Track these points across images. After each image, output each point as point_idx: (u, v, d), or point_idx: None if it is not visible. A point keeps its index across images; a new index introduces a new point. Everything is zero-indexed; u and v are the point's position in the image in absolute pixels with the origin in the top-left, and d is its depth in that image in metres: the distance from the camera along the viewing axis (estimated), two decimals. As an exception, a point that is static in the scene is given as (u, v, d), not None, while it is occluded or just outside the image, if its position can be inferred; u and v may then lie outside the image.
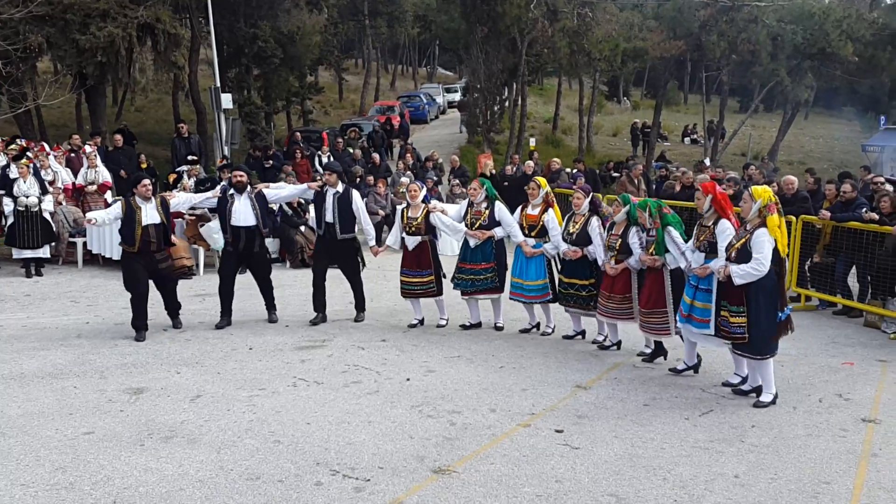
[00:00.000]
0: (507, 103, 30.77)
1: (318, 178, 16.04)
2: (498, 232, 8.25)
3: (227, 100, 18.46)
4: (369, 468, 4.92)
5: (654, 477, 4.89)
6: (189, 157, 14.23)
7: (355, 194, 8.66)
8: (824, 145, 39.24)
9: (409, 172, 17.07)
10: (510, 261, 8.44)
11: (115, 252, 11.58)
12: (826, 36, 26.63)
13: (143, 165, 15.17)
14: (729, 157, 30.80)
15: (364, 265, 8.78)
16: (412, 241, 8.36)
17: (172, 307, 8.36)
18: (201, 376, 6.78)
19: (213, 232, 11.35)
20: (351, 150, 18.89)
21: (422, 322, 8.66)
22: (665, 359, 7.44)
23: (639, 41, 28.55)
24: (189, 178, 13.54)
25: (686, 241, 6.77)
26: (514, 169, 16.84)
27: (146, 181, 8.01)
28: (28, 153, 11.71)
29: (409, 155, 19.33)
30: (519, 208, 8.37)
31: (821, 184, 11.83)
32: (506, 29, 26.16)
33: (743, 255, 6.00)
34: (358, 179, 15.35)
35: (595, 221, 7.81)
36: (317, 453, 5.13)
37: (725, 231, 6.29)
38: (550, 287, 8.15)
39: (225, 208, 8.26)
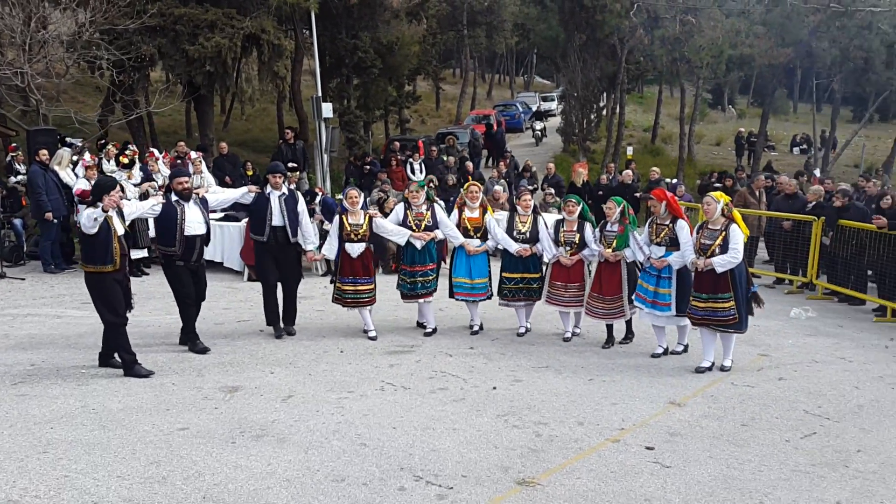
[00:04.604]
0: (604, 112, 30.26)
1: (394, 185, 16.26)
2: (438, 233, 8.47)
3: (327, 109, 18.87)
4: (453, 476, 4.89)
5: (750, 500, 4.65)
6: (289, 165, 14.60)
7: (300, 196, 8.48)
8: (947, 157, 36.73)
9: (502, 181, 17.02)
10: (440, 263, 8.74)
11: (216, 254, 12.04)
12: (948, 44, 24.92)
13: (249, 173, 15.68)
14: (841, 168, 29.29)
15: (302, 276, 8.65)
16: (356, 249, 8.20)
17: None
18: (293, 377, 6.92)
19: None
20: (445, 158, 19.00)
21: (374, 336, 8.41)
22: (631, 340, 8.26)
23: (745, 48, 27.50)
24: (290, 185, 13.88)
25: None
26: (609, 178, 16.55)
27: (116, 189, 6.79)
28: (136, 158, 12.32)
29: (502, 164, 19.30)
30: (457, 211, 8.74)
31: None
32: (605, 37, 25.78)
33: (724, 250, 7.04)
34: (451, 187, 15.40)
35: (542, 220, 8.50)
36: (401, 458, 5.14)
37: (684, 228, 7.45)
38: (489, 285, 8.63)
39: (175, 217, 7.48)
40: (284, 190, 8.32)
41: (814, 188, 12.48)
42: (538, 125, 34.14)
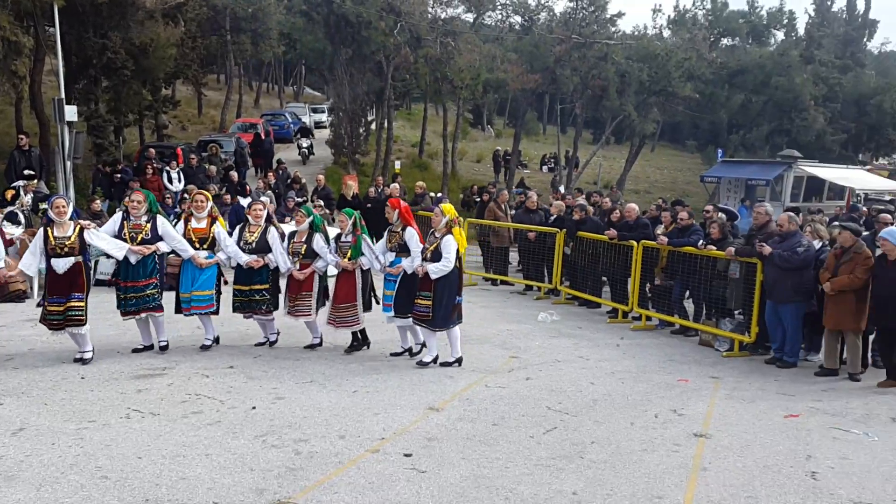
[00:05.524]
0: (373, 126, 30.79)
1: (167, 196, 15.43)
2: (162, 246, 8.02)
3: (71, 112, 17.28)
4: None
5: (497, 497, 4.93)
6: (26, 172, 13.25)
7: None
8: (668, 176, 41.93)
9: (269, 192, 16.69)
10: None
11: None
12: (668, 75, 28.49)
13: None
14: (582, 184, 32.23)
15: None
16: (63, 264, 7.39)
17: None
18: (26, 407, 6.25)
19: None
20: (207, 167, 18.23)
21: (90, 359, 7.71)
22: (368, 348, 8.61)
23: (500, 72, 29.42)
24: (26, 194, 12.63)
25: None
26: (378, 191, 16.85)
27: None
28: None
29: (271, 174, 18.94)
30: (182, 222, 8.53)
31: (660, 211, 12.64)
32: (371, 53, 26.27)
33: (435, 255, 7.83)
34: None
35: (273, 231, 8.51)
36: (147, 489, 4.82)
37: (413, 236, 8.07)
38: (216, 298, 8.31)
39: None
40: None
41: (556, 203, 13.72)
42: (304, 142, 33.05)
